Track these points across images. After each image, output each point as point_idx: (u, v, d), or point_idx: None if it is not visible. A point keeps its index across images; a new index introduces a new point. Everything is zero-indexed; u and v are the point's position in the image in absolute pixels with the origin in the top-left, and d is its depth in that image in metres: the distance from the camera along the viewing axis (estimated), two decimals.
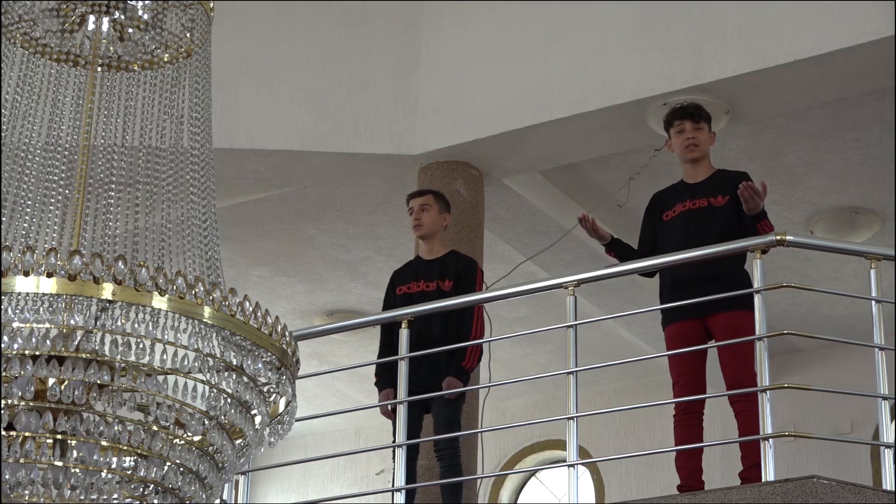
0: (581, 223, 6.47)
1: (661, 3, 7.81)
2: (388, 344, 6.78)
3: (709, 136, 6.50)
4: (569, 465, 5.82)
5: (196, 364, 3.09)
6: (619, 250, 6.55)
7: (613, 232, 6.81)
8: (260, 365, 3.19)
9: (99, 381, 3.05)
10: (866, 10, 7.19)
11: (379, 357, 6.86)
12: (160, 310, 3.02)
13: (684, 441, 6.14)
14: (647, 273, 6.50)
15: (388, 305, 6.97)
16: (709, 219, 6.28)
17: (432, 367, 6.59)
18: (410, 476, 6.47)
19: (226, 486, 3.48)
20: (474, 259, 7.14)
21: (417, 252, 7.23)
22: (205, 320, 3.07)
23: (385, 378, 6.74)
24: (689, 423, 6.18)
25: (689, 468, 6.14)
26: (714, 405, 6.35)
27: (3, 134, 3.44)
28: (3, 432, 3.04)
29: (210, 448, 3.23)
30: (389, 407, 6.63)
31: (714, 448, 6.36)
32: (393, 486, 6.33)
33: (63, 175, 3.46)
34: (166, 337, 3.04)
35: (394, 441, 6.48)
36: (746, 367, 5.96)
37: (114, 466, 3.11)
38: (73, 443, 3.08)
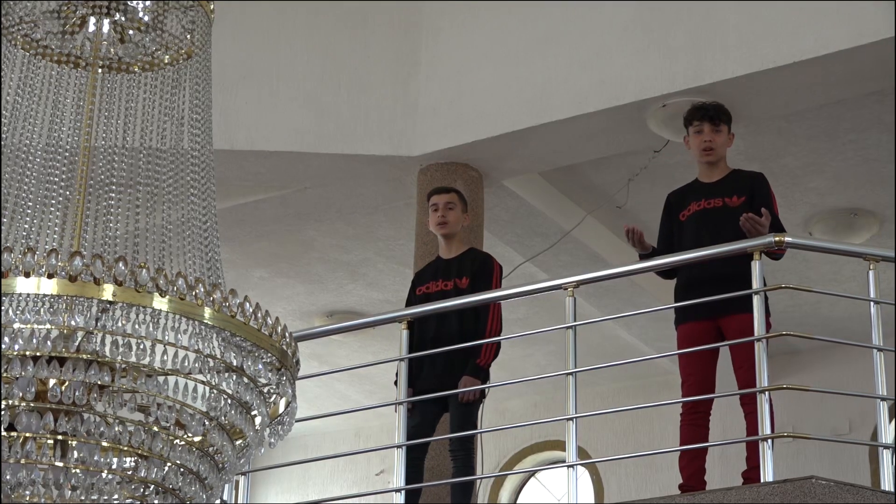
0: (627, 234, 6.32)
1: (661, 4, 7.81)
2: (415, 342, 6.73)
3: (727, 139, 6.49)
4: (568, 466, 5.82)
5: (196, 365, 3.09)
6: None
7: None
8: (260, 366, 3.20)
9: (99, 382, 3.05)
10: (866, 12, 7.19)
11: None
12: (161, 311, 3.03)
13: (690, 441, 6.13)
14: (666, 274, 6.48)
15: (408, 307, 6.92)
16: (724, 218, 6.26)
17: (449, 364, 6.56)
18: (417, 474, 6.46)
19: (226, 486, 3.48)
20: (491, 255, 7.11)
21: (438, 252, 7.16)
22: (205, 321, 3.07)
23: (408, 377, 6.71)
24: (696, 423, 6.17)
25: (693, 468, 6.13)
26: (716, 406, 6.34)
27: (3, 135, 3.44)
28: (4, 433, 3.05)
29: (210, 449, 3.23)
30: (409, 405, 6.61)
31: (713, 448, 6.36)
32: (393, 486, 6.33)
33: (64, 176, 3.46)
34: (167, 338, 3.04)
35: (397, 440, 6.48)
36: None
37: (114, 467, 3.12)
38: (74, 443, 3.08)
